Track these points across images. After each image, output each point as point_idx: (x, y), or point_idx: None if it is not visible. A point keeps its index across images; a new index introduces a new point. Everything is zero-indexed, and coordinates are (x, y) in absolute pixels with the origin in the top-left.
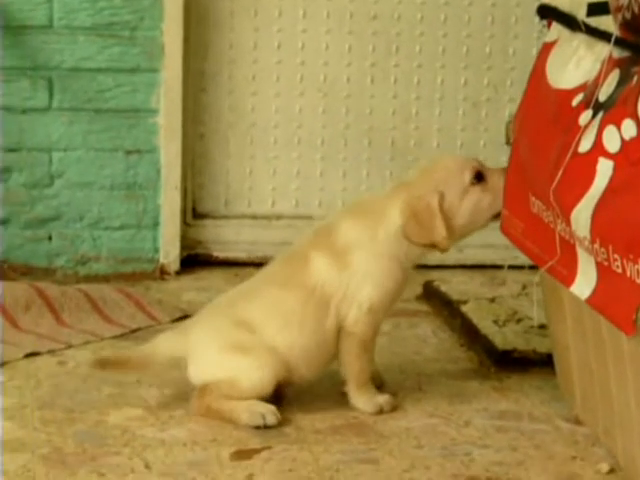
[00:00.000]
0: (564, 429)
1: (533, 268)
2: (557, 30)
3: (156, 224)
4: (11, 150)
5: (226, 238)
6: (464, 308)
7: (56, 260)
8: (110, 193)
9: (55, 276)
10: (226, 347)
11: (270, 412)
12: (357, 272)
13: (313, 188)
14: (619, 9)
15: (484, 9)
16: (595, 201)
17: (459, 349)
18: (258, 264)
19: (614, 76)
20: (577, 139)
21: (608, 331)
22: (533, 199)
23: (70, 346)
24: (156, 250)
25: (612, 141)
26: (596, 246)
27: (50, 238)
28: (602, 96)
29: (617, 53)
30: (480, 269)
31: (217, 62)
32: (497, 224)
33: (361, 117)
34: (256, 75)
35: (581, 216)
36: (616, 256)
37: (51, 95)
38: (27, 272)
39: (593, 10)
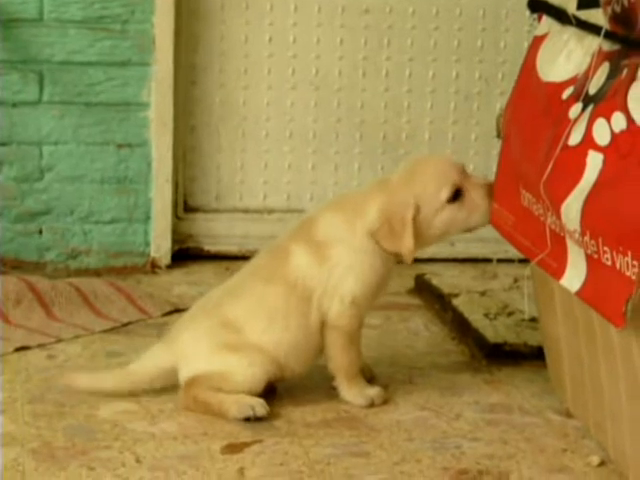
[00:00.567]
0: (555, 422)
1: (524, 261)
2: (548, 23)
3: (147, 218)
4: (1, 144)
5: (217, 232)
6: (455, 301)
7: (47, 254)
8: (101, 187)
9: (46, 270)
10: (216, 348)
11: (259, 404)
12: (337, 265)
13: (305, 182)
14: (609, 2)
15: (475, 2)
16: (585, 194)
17: (450, 342)
18: (249, 258)
19: (604, 69)
20: (567, 132)
21: (599, 324)
22: (523, 192)
23: (60, 340)
24: (147, 244)
25: (602, 134)
26: (586, 239)
27: (41, 232)
28: (592, 89)
29: (607, 46)
30: (471, 262)
31: (208, 55)
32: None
33: (353, 110)
34: (247, 68)
35: (571, 209)
36: (606, 249)
37: (41, 89)
38: (17, 266)
39: (583, 3)
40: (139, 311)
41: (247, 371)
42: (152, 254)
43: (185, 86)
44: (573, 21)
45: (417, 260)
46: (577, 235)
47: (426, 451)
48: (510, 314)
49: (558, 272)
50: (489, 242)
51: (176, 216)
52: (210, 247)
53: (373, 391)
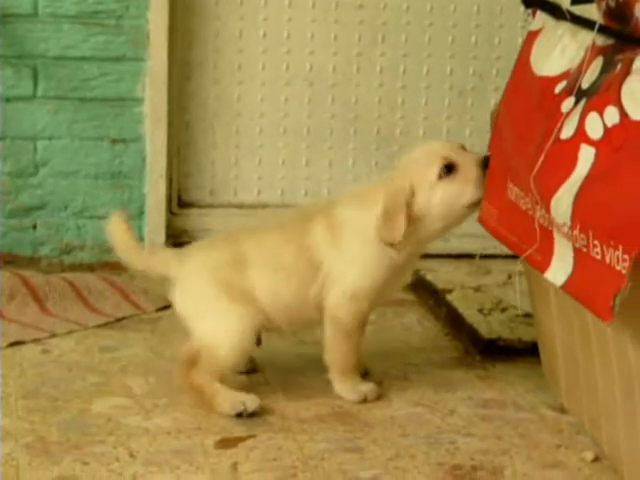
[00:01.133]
0: (549, 418)
1: (516, 257)
2: (542, 19)
3: (141, 213)
4: None
5: (212, 227)
6: (449, 297)
7: (41, 249)
8: (95, 182)
9: (40, 265)
10: (214, 286)
11: (250, 399)
12: (345, 254)
13: (299, 177)
14: None
15: None
16: (577, 187)
17: (444, 338)
18: None
19: (597, 64)
20: (559, 126)
21: (593, 320)
22: (511, 186)
23: (54, 335)
24: (141, 239)
25: (594, 128)
26: (575, 232)
27: (35, 227)
28: (585, 83)
29: (601, 41)
30: (466, 258)
31: (203, 51)
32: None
33: (347, 106)
34: (242, 64)
35: (562, 202)
36: (596, 242)
37: (36, 84)
38: (12, 261)
39: None
40: (133, 306)
41: (235, 325)
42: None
43: (179, 82)
44: (567, 16)
45: None
46: (566, 229)
47: (420, 447)
48: (504, 310)
49: (543, 265)
50: (484, 238)
51: (170, 211)
52: None
53: (366, 387)
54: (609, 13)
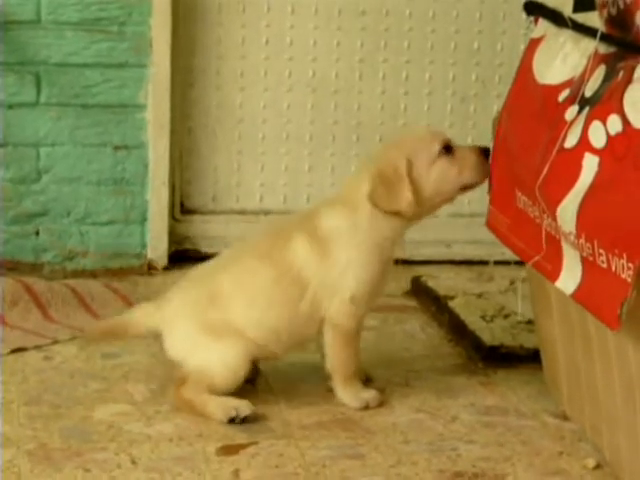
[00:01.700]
0: (551, 425)
1: (520, 264)
2: (544, 26)
3: (144, 219)
4: None
5: (214, 234)
6: (452, 304)
7: (43, 255)
8: (98, 188)
9: (42, 271)
10: (200, 327)
11: (242, 404)
12: (338, 262)
13: (301, 184)
14: (605, 5)
15: (472, 5)
16: (581, 196)
17: (447, 345)
18: None
19: (600, 72)
20: (563, 134)
21: (595, 327)
22: (519, 194)
23: (57, 341)
24: (144, 246)
25: (598, 137)
26: (581, 241)
27: (37, 233)
28: (588, 92)
29: (603, 49)
30: (468, 265)
31: (205, 58)
32: (484, 220)
33: (349, 113)
34: (244, 71)
35: (567, 211)
36: (601, 251)
37: (39, 90)
38: (14, 267)
39: (579, 6)
40: None
41: (228, 359)
42: (149, 256)
43: (182, 88)
44: (569, 24)
45: (413, 262)
46: (572, 237)
47: (422, 453)
48: (506, 316)
49: (553, 274)
50: (486, 244)
51: (173, 218)
52: (207, 249)
53: (368, 394)
54: (611, 21)
